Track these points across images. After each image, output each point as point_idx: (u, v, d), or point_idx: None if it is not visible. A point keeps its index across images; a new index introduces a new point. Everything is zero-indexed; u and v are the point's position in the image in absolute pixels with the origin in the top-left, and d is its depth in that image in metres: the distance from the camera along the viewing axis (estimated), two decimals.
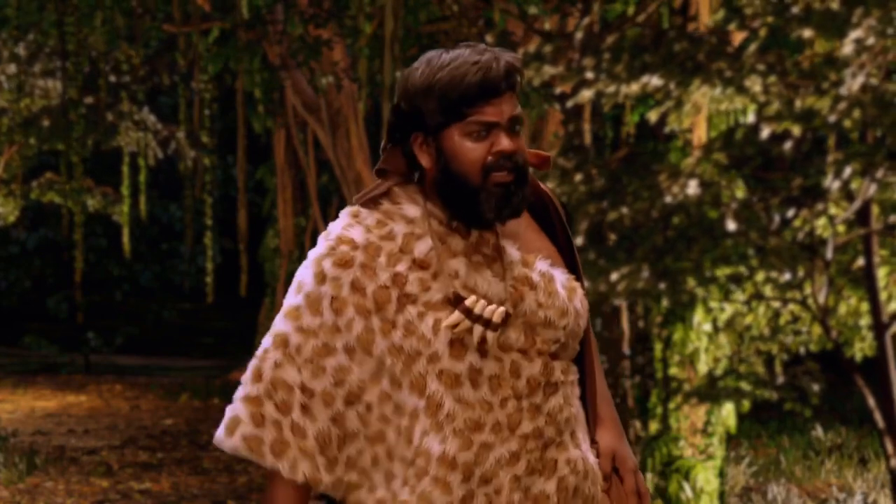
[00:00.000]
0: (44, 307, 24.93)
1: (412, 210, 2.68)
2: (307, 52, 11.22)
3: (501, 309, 2.61)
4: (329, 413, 2.66)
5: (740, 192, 8.10)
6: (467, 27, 10.13)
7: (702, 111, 7.50)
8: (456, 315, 2.60)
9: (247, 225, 13.24)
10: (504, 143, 2.60)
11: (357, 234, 2.67)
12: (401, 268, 2.64)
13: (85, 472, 11.08)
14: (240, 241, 13.36)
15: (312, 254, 2.70)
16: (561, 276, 2.70)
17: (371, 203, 2.71)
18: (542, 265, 2.69)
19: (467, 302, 2.59)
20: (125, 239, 16.78)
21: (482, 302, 2.60)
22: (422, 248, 2.65)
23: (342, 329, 2.65)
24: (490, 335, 2.60)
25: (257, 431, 2.66)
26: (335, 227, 2.71)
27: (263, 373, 2.67)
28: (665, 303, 8.02)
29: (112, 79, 14.49)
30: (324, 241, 2.69)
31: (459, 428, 2.61)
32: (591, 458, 2.73)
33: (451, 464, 2.61)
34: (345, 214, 2.72)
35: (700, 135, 9.09)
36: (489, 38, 9.70)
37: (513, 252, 2.68)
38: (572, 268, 2.77)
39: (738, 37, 8.00)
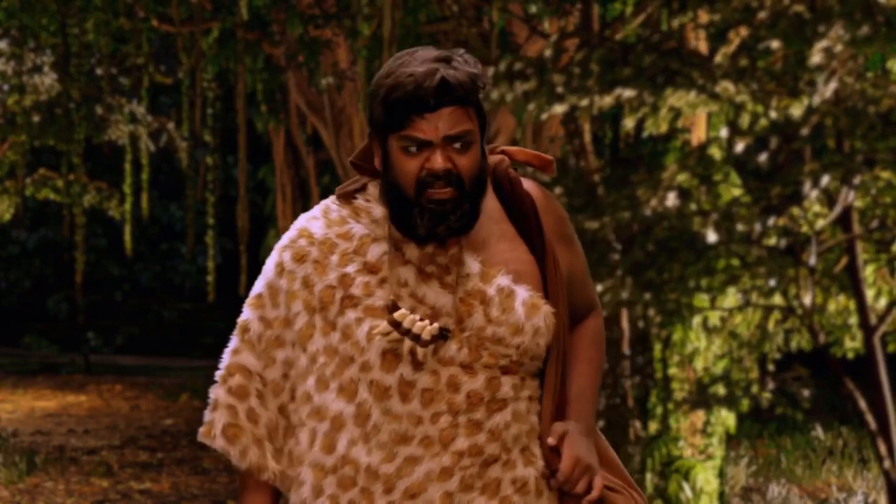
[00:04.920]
0: (44, 307, 24.93)
1: (379, 210, 2.63)
2: (307, 52, 11.23)
3: (433, 326, 2.53)
4: (277, 403, 2.66)
5: (738, 191, 8.10)
6: (467, 27, 10.13)
7: (682, 114, 7.50)
8: (384, 325, 2.54)
9: (247, 225, 13.24)
10: (436, 161, 2.50)
11: (317, 229, 2.65)
12: (350, 269, 2.60)
13: (85, 472, 11.08)
14: (240, 241, 13.35)
15: (279, 242, 2.70)
16: (523, 293, 2.60)
17: (345, 197, 2.67)
18: (502, 280, 2.59)
19: (396, 315, 2.53)
20: (126, 237, 16.77)
21: (411, 317, 2.53)
22: (375, 251, 2.60)
23: (291, 323, 2.65)
24: (420, 350, 2.54)
25: (210, 416, 2.68)
26: (302, 218, 2.70)
27: (222, 358, 2.70)
28: (651, 312, 8.02)
29: (99, 72, 14.48)
30: (289, 231, 2.69)
31: (384, 441, 2.55)
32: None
33: (374, 475, 2.56)
34: (318, 206, 2.70)
35: (699, 134, 9.10)
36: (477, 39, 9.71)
37: (472, 264, 2.59)
38: (551, 280, 2.65)
39: (721, 53, 8.01)
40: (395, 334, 2.53)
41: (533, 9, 9.55)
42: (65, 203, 15.11)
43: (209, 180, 13.97)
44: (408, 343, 2.53)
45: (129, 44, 13.14)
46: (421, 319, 2.54)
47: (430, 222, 2.53)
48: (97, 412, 15.43)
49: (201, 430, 2.68)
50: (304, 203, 17.83)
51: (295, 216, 18.00)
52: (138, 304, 25.64)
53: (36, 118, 15.54)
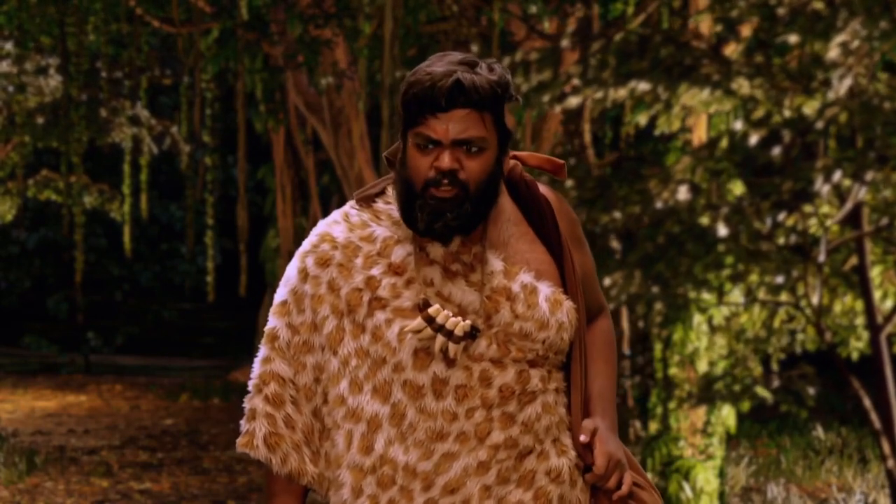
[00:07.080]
0: (44, 307, 24.92)
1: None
2: (307, 52, 11.22)
3: (465, 322, 2.57)
4: (310, 407, 2.69)
5: (739, 190, 8.09)
6: (467, 27, 10.13)
7: (693, 112, 7.49)
8: (418, 321, 2.57)
9: (247, 225, 13.24)
10: (443, 160, 2.54)
11: (339, 233, 2.68)
12: (375, 271, 2.63)
13: (85, 472, 11.07)
14: (240, 241, 13.36)
15: (300, 248, 2.73)
16: (546, 289, 2.65)
17: (365, 201, 2.71)
18: (525, 277, 2.64)
19: (430, 310, 2.56)
20: (126, 238, 16.76)
21: (445, 312, 2.57)
22: (399, 252, 2.63)
23: (318, 327, 2.67)
24: (452, 347, 2.57)
25: (249, 426, 2.71)
26: (322, 224, 2.72)
27: (254, 368, 2.73)
28: (659, 306, 8.01)
29: (104, 74, 14.49)
30: (310, 237, 2.72)
31: (420, 439, 2.59)
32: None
33: (412, 473, 2.59)
34: (337, 211, 2.73)
35: (700, 135, 9.09)
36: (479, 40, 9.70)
37: (495, 262, 2.63)
38: (569, 278, 2.70)
39: (731, 48, 8.00)
40: (427, 332, 2.57)
41: (532, 9, 9.55)
42: (65, 203, 15.10)
43: (209, 180, 13.97)
44: (439, 341, 2.57)
45: (129, 47, 13.14)
46: (452, 316, 2.58)
47: (428, 218, 2.56)
48: (97, 412, 15.43)
49: (240, 440, 2.71)
50: (303, 203, 17.83)
51: (295, 216, 18.03)
52: (138, 304, 25.63)
53: (40, 120, 15.54)
